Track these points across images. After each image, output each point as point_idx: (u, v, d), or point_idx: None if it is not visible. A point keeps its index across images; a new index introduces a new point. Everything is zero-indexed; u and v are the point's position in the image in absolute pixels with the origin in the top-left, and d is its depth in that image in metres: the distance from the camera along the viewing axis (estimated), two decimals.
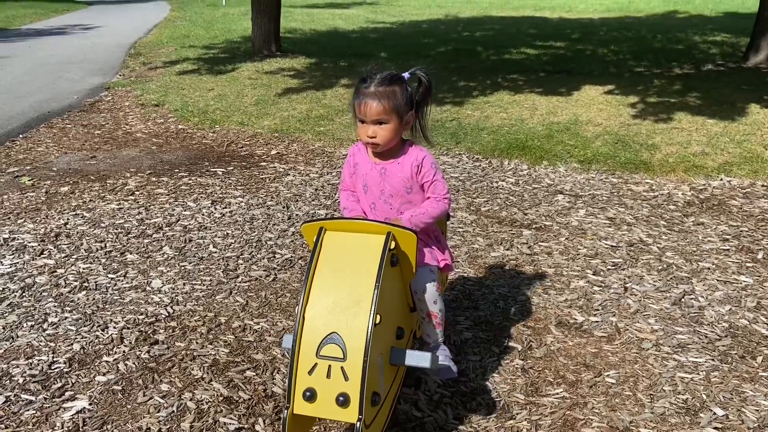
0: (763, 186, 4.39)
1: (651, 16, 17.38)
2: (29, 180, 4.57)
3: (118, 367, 2.42)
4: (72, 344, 2.57)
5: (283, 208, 4.08)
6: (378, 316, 1.70)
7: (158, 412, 2.18)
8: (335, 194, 4.29)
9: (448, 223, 3.30)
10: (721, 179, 4.51)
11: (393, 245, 1.80)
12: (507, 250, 3.46)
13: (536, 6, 21.69)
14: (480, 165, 4.96)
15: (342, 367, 1.67)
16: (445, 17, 18.05)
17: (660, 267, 3.24)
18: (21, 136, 5.82)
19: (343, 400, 1.65)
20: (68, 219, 3.87)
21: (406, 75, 2.06)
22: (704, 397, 2.25)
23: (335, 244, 1.84)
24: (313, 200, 4.23)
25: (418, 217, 2.05)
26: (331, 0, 27.11)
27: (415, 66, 2.11)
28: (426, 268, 2.07)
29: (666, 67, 8.58)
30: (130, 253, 3.41)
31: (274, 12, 9.74)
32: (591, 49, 10.75)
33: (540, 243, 3.54)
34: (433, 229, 2.16)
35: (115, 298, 2.95)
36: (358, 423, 1.63)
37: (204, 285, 3.07)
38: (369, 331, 1.68)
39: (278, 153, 5.33)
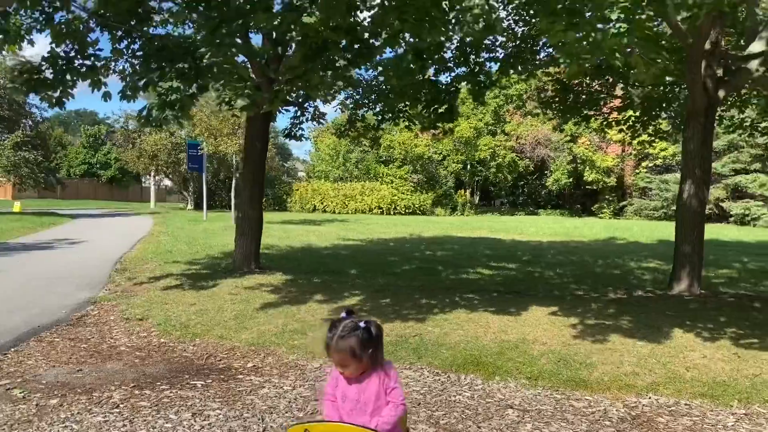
0: (686, 404, 4.98)
1: (593, 241, 19.38)
2: (20, 392, 4.89)
3: None
4: None
5: (259, 420, 4.45)
6: None
7: None
8: (307, 406, 4.71)
9: None
10: (650, 397, 5.10)
11: None
12: None
13: (491, 228, 23.93)
14: (439, 379, 5.48)
15: None
16: (409, 236, 19.76)
17: None
18: (12, 349, 6.19)
19: None
20: (58, 431, 4.16)
21: (362, 324, 2.76)
22: None
23: None
24: (286, 412, 4.62)
25: (382, 426, 2.66)
26: (305, 216, 29.36)
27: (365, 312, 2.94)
28: None
29: (603, 291, 9.66)
30: None
31: (256, 234, 10.84)
32: (539, 271, 11.97)
33: None
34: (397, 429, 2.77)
35: None
36: None
37: None
38: None
39: (254, 366, 5.78)
